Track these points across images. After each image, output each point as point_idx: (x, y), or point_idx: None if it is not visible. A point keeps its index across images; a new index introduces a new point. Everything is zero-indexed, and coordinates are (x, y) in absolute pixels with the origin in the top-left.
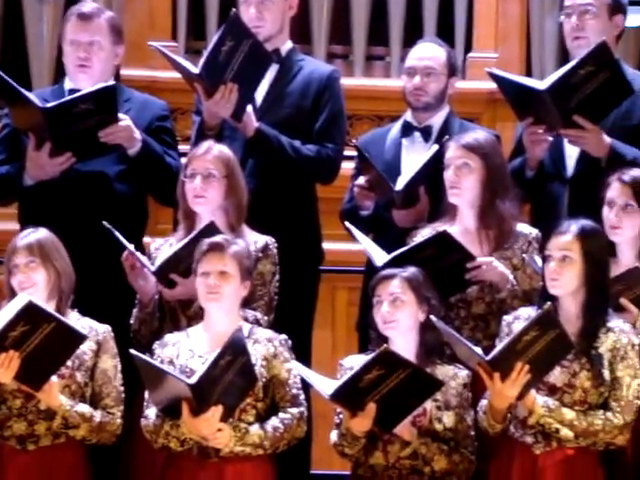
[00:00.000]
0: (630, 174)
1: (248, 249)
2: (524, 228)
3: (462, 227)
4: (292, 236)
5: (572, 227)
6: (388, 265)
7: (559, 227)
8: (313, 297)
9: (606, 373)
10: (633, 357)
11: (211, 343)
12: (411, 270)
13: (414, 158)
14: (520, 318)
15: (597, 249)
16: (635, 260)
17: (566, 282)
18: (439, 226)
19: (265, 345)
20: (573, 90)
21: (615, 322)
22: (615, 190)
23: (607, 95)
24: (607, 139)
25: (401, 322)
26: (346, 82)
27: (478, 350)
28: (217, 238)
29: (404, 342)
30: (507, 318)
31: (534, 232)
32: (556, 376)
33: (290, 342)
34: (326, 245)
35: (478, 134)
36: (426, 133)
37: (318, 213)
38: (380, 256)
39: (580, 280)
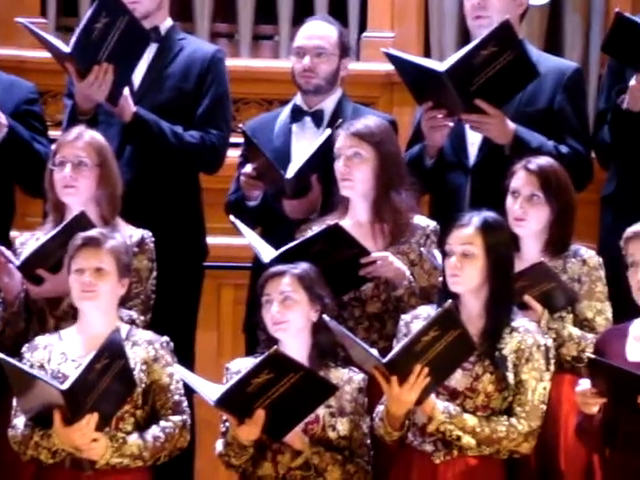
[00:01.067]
0: (537, 162)
1: (126, 244)
2: (421, 221)
3: (355, 220)
4: (173, 230)
5: (474, 219)
6: (276, 261)
7: (460, 219)
8: (196, 295)
9: (510, 376)
10: (539, 359)
11: (86, 346)
12: (302, 267)
13: (305, 144)
14: (419, 317)
15: (500, 243)
16: (539, 255)
17: (467, 278)
18: (331, 219)
19: (145, 348)
20: (475, 72)
21: (520, 321)
22: (520, 179)
23: (511, 78)
24: (511, 125)
25: (292, 323)
26: (231, 63)
27: (374, 352)
28: (92, 232)
29: (295, 344)
30: (405, 317)
31: (432, 225)
32: (457, 380)
33: (172, 344)
34: (210, 239)
35: (370, 120)
36: (317, 118)
37: (202, 205)
38: (267, 251)
39: (482, 276)
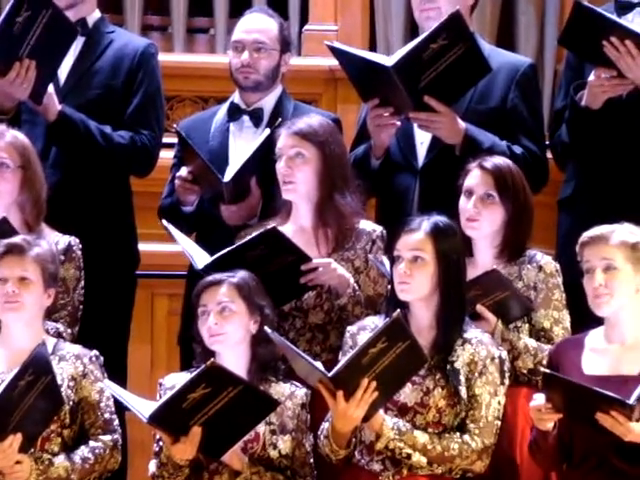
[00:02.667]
0: (492, 161)
1: (52, 252)
2: (367, 225)
3: (297, 225)
4: (102, 236)
5: (424, 224)
6: (210, 268)
7: (409, 224)
8: (128, 306)
9: (463, 391)
10: (493, 372)
11: (9, 361)
12: (241, 275)
13: (243, 145)
14: (366, 328)
15: (451, 249)
16: (493, 260)
17: (417, 286)
18: (272, 225)
19: (73, 363)
20: (424, 67)
21: (472, 332)
22: (475, 178)
23: (462, 73)
24: (462, 124)
25: (230, 335)
26: (164, 58)
27: (319, 365)
28: (16, 239)
29: (233, 357)
30: (351, 329)
31: (378, 230)
32: (407, 394)
33: (101, 359)
34: (142, 246)
35: (313, 119)
36: (256, 117)
37: (133, 209)
38: (202, 257)
39: (433, 284)
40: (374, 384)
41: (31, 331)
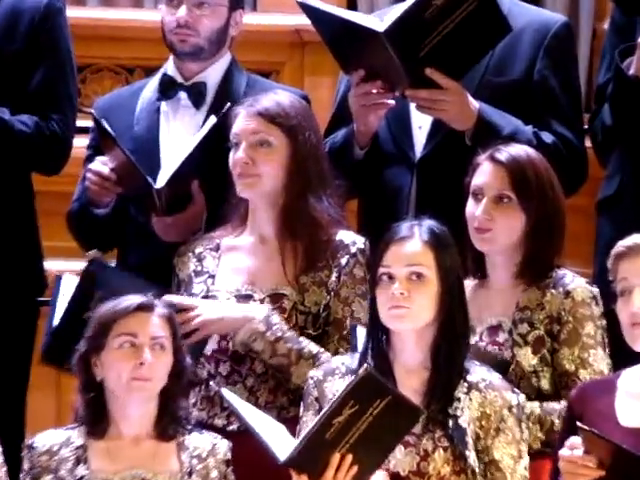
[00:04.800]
0: (507, 151)
1: None
2: (346, 237)
3: (255, 235)
4: None
5: (416, 230)
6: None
7: (396, 232)
8: (28, 343)
9: (472, 457)
10: (512, 426)
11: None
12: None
13: (179, 131)
14: (335, 373)
15: (453, 261)
16: (511, 282)
17: (418, 312)
18: (221, 236)
19: None
20: (424, 31)
21: (478, 372)
22: (485, 175)
23: (474, 36)
24: (474, 104)
25: (157, 381)
26: (74, 14)
27: (271, 446)
28: None
29: (143, 408)
30: (315, 374)
31: (360, 242)
32: (399, 460)
33: None
34: (49, 264)
35: (281, 96)
36: (196, 93)
37: (35, 215)
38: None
39: (435, 308)
40: (349, 458)
41: None
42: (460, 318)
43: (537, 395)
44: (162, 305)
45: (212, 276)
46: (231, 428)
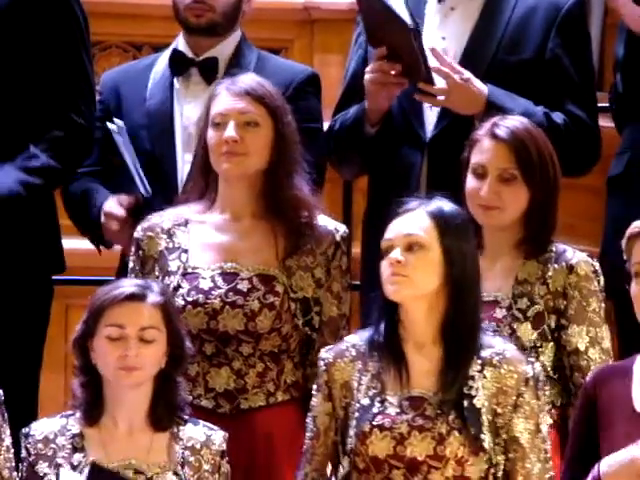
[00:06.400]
0: (505, 126)
1: None
2: (327, 223)
3: (230, 214)
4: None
5: (422, 204)
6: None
7: (402, 205)
8: (42, 322)
9: (487, 439)
10: (530, 400)
11: None
12: (161, 289)
13: (190, 108)
14: (344, 355)
15: (460, 236)
16: (510, 255)
17: (417, 279)
18: (187, 212)
19: None
20: None
21: (491, 346)
22: (487, 151)
23: None
24: (482, 88)
25: (147, 370)
26: None
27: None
28: None
29: (136, 396)
30: (325, 356)
31: (341, 229)
32: (415, 446)
33: (2, 395)
34: (66, 242)
35: (257, 77)
36: (208, 69)
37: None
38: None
39: (437, 279)
40: None
41: None
42: (470, 292)
43: None
44: (155, 292)
45: (185, 250)
46: (222, 410)
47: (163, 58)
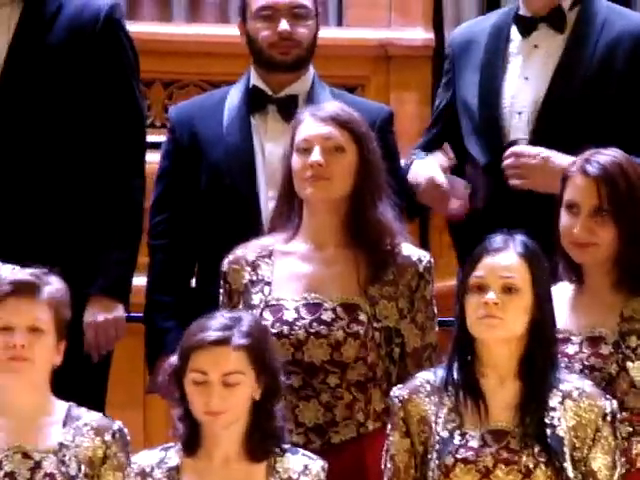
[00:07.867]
0: (597, 161)
1: (65, 290)
2: (411, 251)
3: (313, 243)
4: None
5: (510, 243)
6: None
7: (490, 242)
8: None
9: (570, 469)
10: (608, 435)
11: (9, 436)
12: (248, 325)
13: (272, 148)
14: (419, 391)
15: (545, 275)
16: (609, 290)
17: (511, 323)
18: (272, 243)
19: (91, 440)
20: None
21: (569, 381)
22: (579, 189)
23: None
24: (561, 161)
25: (233, 411)
26: (161, 30)
27: None
28: (24, 273)
29: (228, 430)
30: (399, 393)
31: (425, 258)
32: (501, 479)
33: (127, 435)
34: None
35: (342, 105)
36: (288, 107)
37: None
38: None
39: (526, 321)
40: None
41: (37, 396)
42: (550, 329)
43: None
44: (242, 332)
45: (268, 283)
46: (313, 446)
47: (233, 93)
